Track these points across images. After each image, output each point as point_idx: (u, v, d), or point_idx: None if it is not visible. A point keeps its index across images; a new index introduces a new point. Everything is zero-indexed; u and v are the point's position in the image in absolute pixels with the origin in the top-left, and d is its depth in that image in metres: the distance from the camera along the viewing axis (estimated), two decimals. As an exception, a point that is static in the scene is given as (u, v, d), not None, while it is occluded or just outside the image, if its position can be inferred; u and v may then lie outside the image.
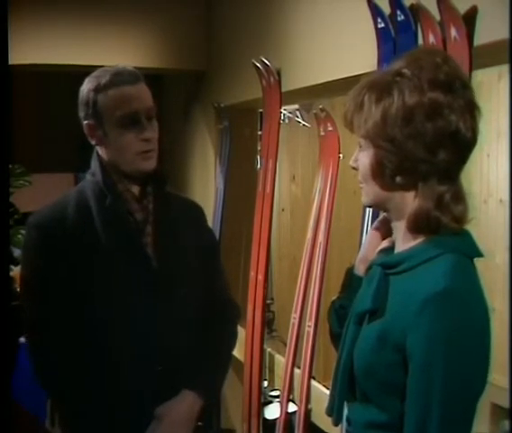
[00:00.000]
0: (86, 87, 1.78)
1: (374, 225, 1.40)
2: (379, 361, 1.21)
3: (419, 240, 1.24)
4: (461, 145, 1.21)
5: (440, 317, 1.14)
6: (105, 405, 1.74)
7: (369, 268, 1.33)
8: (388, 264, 1.27)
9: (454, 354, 1.14)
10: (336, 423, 1.34)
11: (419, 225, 1.22)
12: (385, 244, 1.35)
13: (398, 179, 1.22)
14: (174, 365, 1.79)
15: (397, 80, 1.20)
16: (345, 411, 1.35)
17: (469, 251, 1.24)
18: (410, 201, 1.23)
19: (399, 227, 1.27)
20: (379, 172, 1.23)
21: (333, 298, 1.47)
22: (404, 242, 1.26)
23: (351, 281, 1.40)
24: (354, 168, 1.30)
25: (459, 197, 1.23)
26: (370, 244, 1.38)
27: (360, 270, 1.38)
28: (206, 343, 1.89)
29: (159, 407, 1.77)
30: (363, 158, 1.26)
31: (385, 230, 1.36)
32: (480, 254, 1.25)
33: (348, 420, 1.35)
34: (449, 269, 1.18)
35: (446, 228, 1.21)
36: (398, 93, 1.19)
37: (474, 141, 1.23)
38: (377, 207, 1.34)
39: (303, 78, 2.91)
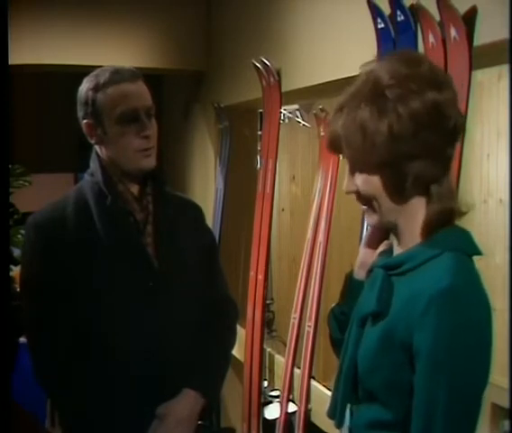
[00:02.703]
0: (85, 86, 1.78)
1: (370, 229, 1.40)
2: (384, 361, 1.21)
3: (418, 240, 1.24)
4: (458, 135, 1.24)
5: (445, 314, 1.15)
6: (105, 405, 1.74)
7: (370, 271, 1.33)
8: (391, 265, 1.27)
9: (460, 351, 1.15)
10: (339, 425, 1.34)
11: (440, 222, 1.22)
12: (383, 246, 1.35)
13: (414, 188, 1.21)
14: (174, 365, 1.79)
15: (392, 92, 1.17)
16: (347, 416, 1.35)
17: (469, 249, 1.24)
18: (422, 205, 1.23)
19: (405, 233, 1.25)
20: (396, 188, 1.21)
21: (333, 304, 1.47)
22: (404, 244, 1.26)
23: (351, 286, 1.39)
24: (352, 192, 1.26)
25: (453, 184, 1.26)
26: (367, 248, 1.38)
27: (360, 274, 1.37)
28: (206, 342, 1.89)
29: (160, 406, 1.77)
30: (368, 180, 1.22)
31: (381, 233, 1.36)
32: (479, 252, 1.25)
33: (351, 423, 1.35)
34: (452, 266, 1.18)
35: (454, 220, 1.23)
36: (399, 103, 1.17)
37: (464, 123, 1.25)
38: (387, 224, 1.28)
39: (303, 78, 2.91)
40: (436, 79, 1.20)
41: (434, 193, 1.21)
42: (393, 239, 1.30)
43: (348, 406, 1.33)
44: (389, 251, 1.32)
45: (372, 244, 1.37)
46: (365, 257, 1.37)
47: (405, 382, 1.19)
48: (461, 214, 1.24)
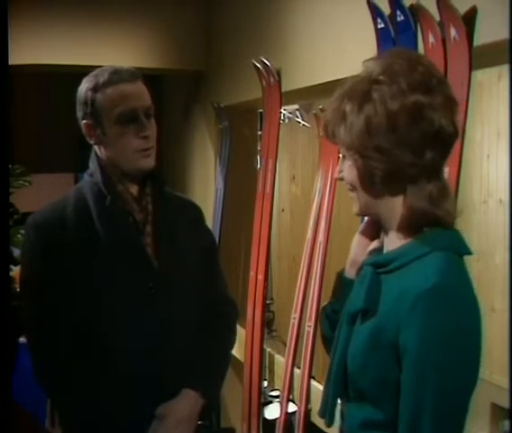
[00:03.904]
0: (84, 86, 1.78)
1: (361, 228, 1.40)
2: (373, 359, 1.22)
3: (409, 239, 1.24)
4: (445, 141, 1.22)
5: (432, 313, 1.15)
6: (105, 405, 1.74)
7: (360, 269, 1.33)
8: (380, 263, 1.27)
9: (446, 350, 1.15)
10: (329, 424, 1.34)
11: (414, 224, 1.23)
12: (374, 245, 1.35)
13: (388, 184, 1.23)
14: (174, 365, 1.79)
15: (376, 88, 1.20)
16: (337, 416, 1.35)
17: (458, 248, 1.25)
18: (399, 203, 1.24)
19: (389, 229, 1.28)
20: (369, 181, 1.24)
21: (325, 303, 1.48)
22: (393, 242, 1.27)
23: (342, 285, 1.40)
24: (340, 179, 1.30)
25: (445, 192, 1.24)
26: (358, 247, 1.38)
27: (350, 273, 1.38)
28: (206, 342, 1.89)
29: (159, 407, 1.77)
30: (350, 168, 1.26)
31: (372, 232, 1.36)
32: (469, 252, 1.25)
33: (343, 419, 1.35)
34: (440, 266, 1.18)
35: (437, 225, 1.22)
36: (380, 100, 1.19)
37: (456, 134, 1.24)
38: (368, 214, 1.34)
39: (303, 78, 2.92)
40: (427, 82, 1.20)
41: (408, 193, 1.22)
42: (384, 237, 1.31)
43: (338, 406, 1.33)
44: (380, 249, 1.33)
45: (363, 242, 1.38)
46: (356, 256, 1.38)
47: (394, 382, 1.19)
48: (447, 219, 1.23)
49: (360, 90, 1.22)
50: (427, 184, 1.21)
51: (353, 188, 1.28)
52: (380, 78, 1.21)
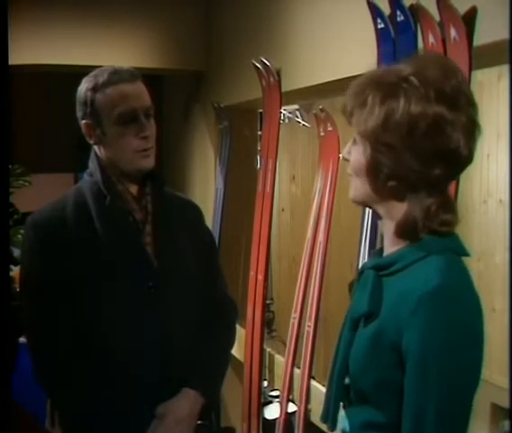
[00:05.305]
0: (84, 86, 1.78)
1: None
2: (375, 362, 1.21)
3: (407, 242, 1.24)
4: (457, 163, 1.21)
5: (434, 314, 1.15)
6: (105, 405, 1.74)
7: (360, 273, 1.33)
8: (381, 266, 1.27)
9: (449, 351, 1.15)
10: (332, 428, 1.34)
11: (407, 231, 1.23)
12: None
13: (391, 183, 1.22)
14: (174, 365, 1.79)
15: (404, 87, 1.18)
16: (340, 419, 1.34)
17: (458, 250, 1.24)
18: (398, 208, 1.23)
19: (388, 228, 1.27)
20: (373, 173, 1.23)
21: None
22: (393, 243, 1.26)
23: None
24: (346, 159, 1.29)
25: (447, 206, 1.23)
26: None
27: None
28: (206, 341, 1.89)
29: (159, 406, 1.77)
30: (358, 153, 1.25)
31: None
32: (466, 254, 1.25)
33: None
34: (441, 267, 1.18)
35: (433, 234, 1.22)
36: (404, 100, 1.18)
37: (470, 159, 1.23)
38: (362, 204, 1.33)
39: (303, 78, 2.91)
40: (455, 98, 1.18)
41: (407, 201, 1.22)
42: (384, 237, 1.31)
43: (341, 410, 1.32)
44: (380, 251, 1.32)
45: None
46: None
47: (395, 383, 1.19)
48: (442, 229, 1.22)
49: (387, 83, 1.20)
50: (427, 197, 1.21)
51: (354, 174, 1.27)
52: (411, 78, 1.19)
